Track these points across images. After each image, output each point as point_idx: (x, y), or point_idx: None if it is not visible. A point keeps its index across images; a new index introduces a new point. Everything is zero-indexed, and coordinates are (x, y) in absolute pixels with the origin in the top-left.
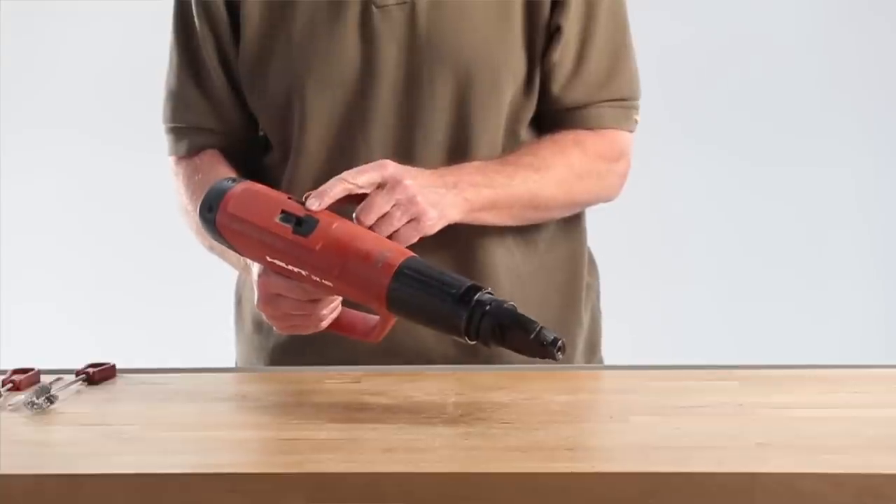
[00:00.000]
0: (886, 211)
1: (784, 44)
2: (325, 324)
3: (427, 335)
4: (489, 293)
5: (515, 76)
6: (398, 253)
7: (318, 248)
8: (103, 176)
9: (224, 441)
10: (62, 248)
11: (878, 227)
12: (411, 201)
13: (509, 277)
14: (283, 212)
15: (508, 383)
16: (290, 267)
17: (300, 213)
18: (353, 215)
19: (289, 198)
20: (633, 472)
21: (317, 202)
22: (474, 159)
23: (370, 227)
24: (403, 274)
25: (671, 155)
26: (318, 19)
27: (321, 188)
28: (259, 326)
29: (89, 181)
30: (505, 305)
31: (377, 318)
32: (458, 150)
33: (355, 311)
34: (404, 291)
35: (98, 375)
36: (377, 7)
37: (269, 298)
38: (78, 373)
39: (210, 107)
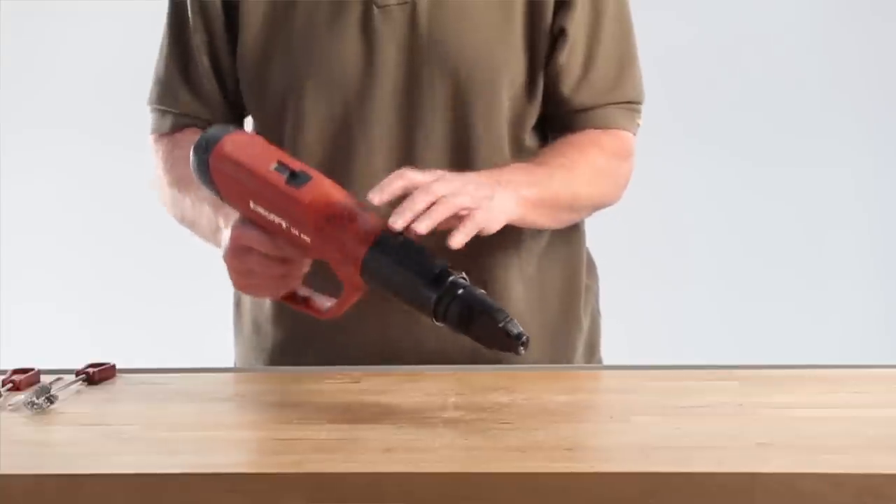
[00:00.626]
0: (886, 211)
1: (785, 45)
2: (282, 291)
3: (427, 337)
4: (464, 278)
5: (515, 78)
6: (383, 223)
7: (306, 201)
8: (103, 176)
9: (223, 441)
10: (62, 248)
11: (878, 227)
12: (456, 194)
13: (509, 280)
14: (279, 162)
15: (508, 383)
16: (271, 216)
17: (296, 167)
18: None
19: (291, 157)
20: (633, 472)
21: (377, 196)
22: (476, 161)
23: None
24: (383, 243)
25: (672, 155)
26: (319, 19)
27: (382, 183)
28: (258, 328)
29: (89, 181)
30: (476, 292)
31: (335, 299)
32: (460, 151)
33: (314, 292)
34: (381, 261)
35: (98, 375)
36: (378, 7)
37: (238, 251)
38: (78, 373)
39: (197, 100)
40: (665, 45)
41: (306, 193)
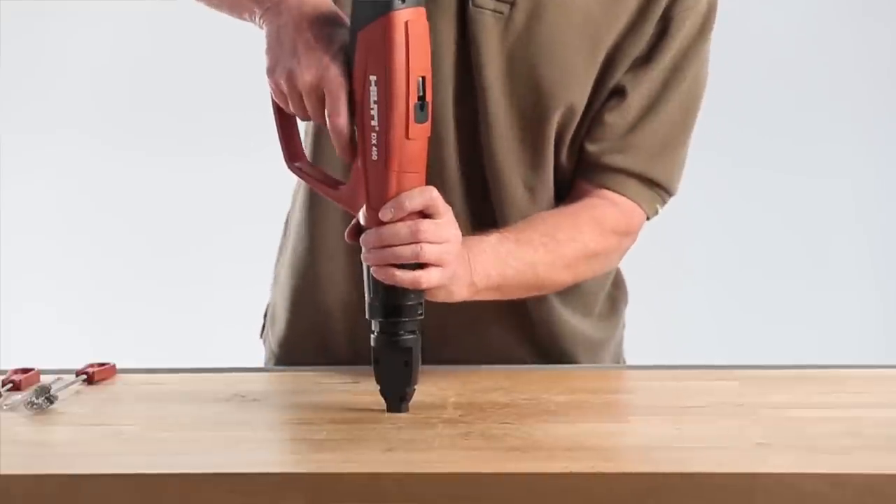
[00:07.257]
0: (884, 214)
1: (784, 51)
2: (307, 112)
3: (427, 337)
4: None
5: (577, 110)
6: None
7: (404, 136)
8: (102, 177)
9: (224, 441)
10: (62, 249)
11: (876, 228)
12: (433, 248)
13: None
14: (423, 78)
15: (508, 383)
16: (372, 110)
17: (428, 96)
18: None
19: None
20: (633, 473)
21: (390, 212)
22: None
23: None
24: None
25: None
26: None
27: (401, 198)
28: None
29: (88, 182)
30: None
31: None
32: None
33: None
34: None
35: (98, 375)
36: (474, 6)
37: (300, 53)
38: (78, 373)
39: None
40: None
41: (414, 131)
